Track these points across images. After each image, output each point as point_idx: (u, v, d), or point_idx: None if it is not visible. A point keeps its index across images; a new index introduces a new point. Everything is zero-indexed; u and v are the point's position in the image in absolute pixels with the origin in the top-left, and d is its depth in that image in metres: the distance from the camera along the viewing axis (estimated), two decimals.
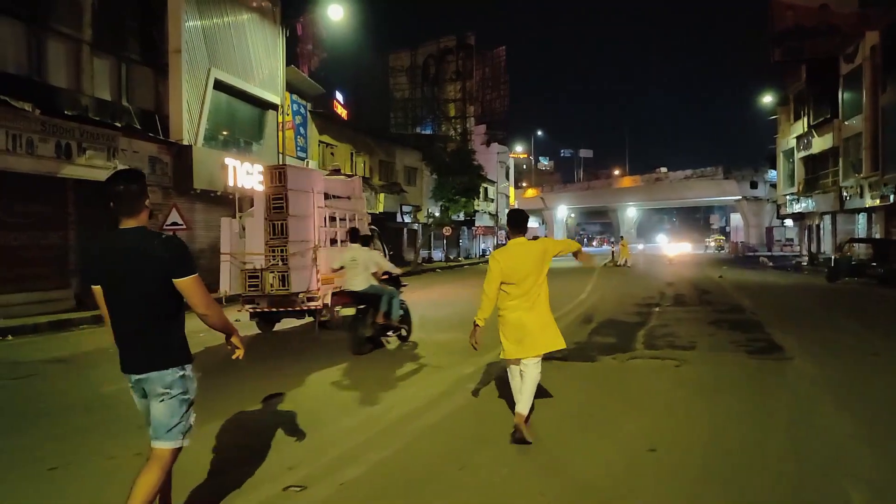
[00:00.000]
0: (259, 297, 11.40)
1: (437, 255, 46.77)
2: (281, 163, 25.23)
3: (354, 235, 10.39)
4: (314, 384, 7.83)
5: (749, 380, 7.61)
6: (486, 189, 56.31)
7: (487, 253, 57.97)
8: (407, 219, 40.77)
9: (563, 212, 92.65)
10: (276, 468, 4.80)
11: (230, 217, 12.61)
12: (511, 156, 70.40)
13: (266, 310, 11.58)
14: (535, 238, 6.23)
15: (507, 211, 6.98)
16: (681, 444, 5.25)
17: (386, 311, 9.84)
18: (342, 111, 47.63)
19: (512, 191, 69.35)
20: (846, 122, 32.26)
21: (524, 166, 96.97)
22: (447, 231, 43.70)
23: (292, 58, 29.50)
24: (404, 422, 6.03)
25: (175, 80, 19.10)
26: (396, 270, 10.70)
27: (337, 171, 15.50)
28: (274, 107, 25.38)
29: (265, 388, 7.31)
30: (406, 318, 10.70)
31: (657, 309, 15.34)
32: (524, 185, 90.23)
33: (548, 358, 8.63)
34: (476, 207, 49.69)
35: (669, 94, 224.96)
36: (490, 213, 58.71)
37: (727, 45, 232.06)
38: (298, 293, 11.20)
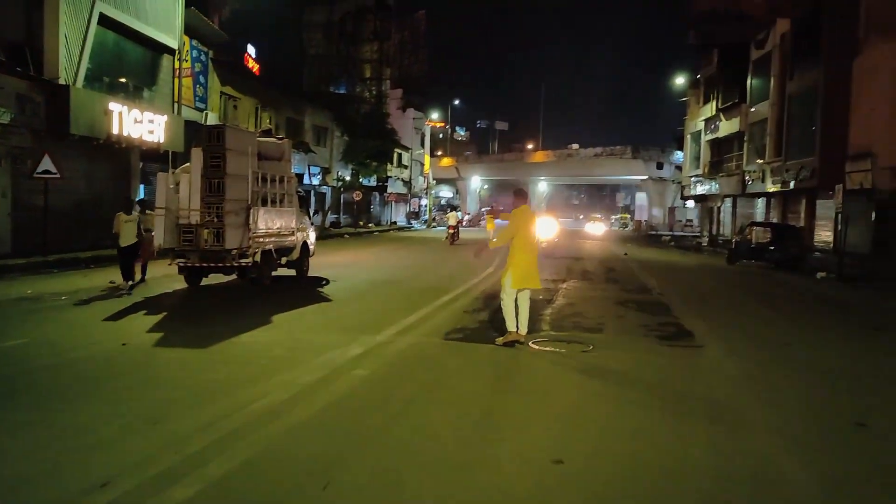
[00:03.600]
0: (191, 251, 11.57)
1: (347, 220, 45.40)
2: (178, 112, 23.56)
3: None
4: (185, 357, 6.77)
5: (662, 372, 7.05)
6: (399, 155, 55.10)
7: (399, 221, 57.09)
8: (315, 181, 39.21)
9: (476, 182, 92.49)
10: (85, 484, 3.74)
11: (165, 172, 12.54)
12: (428, 123, 69.24)
13: (197, 265, 11.83)
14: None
15: (515, 189, 8.08)
16: (592, 455, 4.53)
17: None
18: (254, 65, 45.09)
19: (427, 159, 68.34)
20: (752, 108, 32.97)
21: (440, 135, 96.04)
22: (357, 195, 42.42)
23: (199, 4, 27.33)
24: (264, 420, 4.96)
25: (51, 9, 16.96)
26: None
27: (268, 133, 15.23)
28: (170, 51, 23.31)
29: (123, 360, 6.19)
30: None
31: (564, 286, 14.92)
32: (439, 153, 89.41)
33: (449, 338, 8.02)
34: (389, 173, 48.52)
35: (585, 71, 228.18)
36: (403, 180, 57.60)
37: (644, 26, 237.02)
38: (231, 250, 11.48)
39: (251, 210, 11.85)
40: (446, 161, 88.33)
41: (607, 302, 12.30)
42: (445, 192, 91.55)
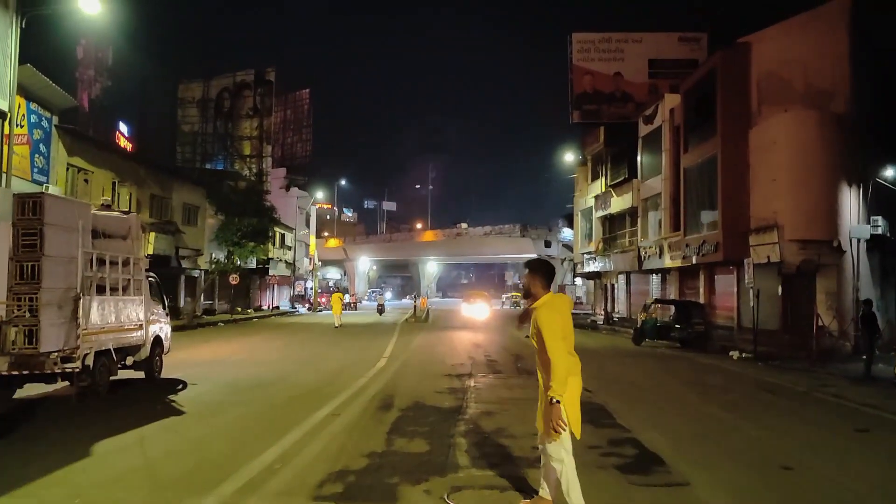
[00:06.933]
0: None
1: (224, 306, 41.30)
2: (7, 185, 19.83)
3: None
4: None
5: None
6: (283, 236, 51.84)
7: (283, 305, 53.09)
8: (186, 264, 35.30)
9: (365, 264, 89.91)
10: None
11: None
12: (314, 205, 66.52)
13: (4, 374, 9.15)
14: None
15: (530, 260, 5.25)
16: None
17: None
18: (126, 143, 41.22)
19: (313, 239, 65.26)
20: (645, 183, 32.56)
21: (327, 216, 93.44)
22: (234, 279, 38.66)
23: (68, 83, 24.03)
24: None
25: None
26: None
27: (108, 207, 13.14)
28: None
29: None
30: None
31: (472, 382, 12.40)
32: (326, 235, 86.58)
33: (324, 499, 5.26)
34: (270, 255, 45.07)
35: (473, 150, 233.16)
36: (287, 262, 54.08)
37: (530, 106, 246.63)
38: (51, 353, 9.09)
39: (80, 301, 9.45)
40: (333, 242, 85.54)
41: (532, 406, 9.82)
42: (333, 274, 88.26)
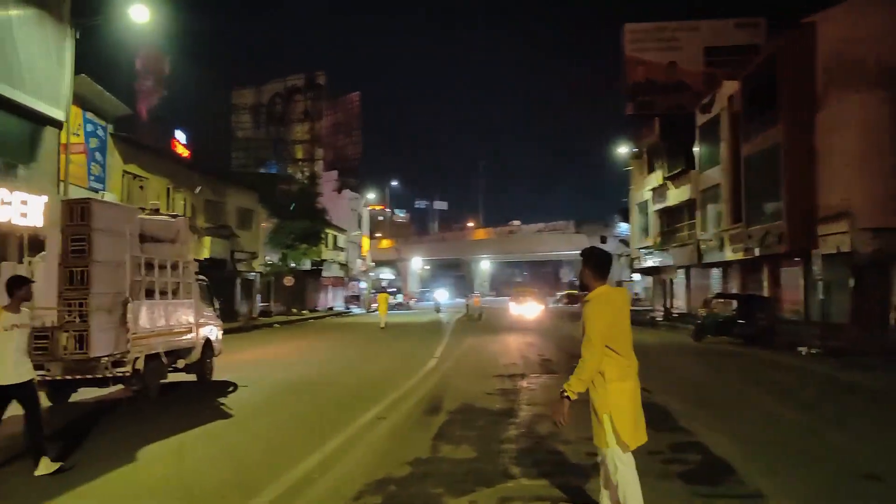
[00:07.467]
0: (50, 361, 8.96)
1: (280, 308, 41.76)
2: (65, 193, 20.25)
3: None
4: None
5: None
6: (335, 237, 52.19)
7: (337, 306, 53.37)
8: (242, 267, 35.76)
9: (417, 263, 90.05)
10: None
11: (13, 262, 10.74)
12: (367, 206, 66.95)
13: (59, 378, 9.20)
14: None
15: (584, 249, 4.54)
16: None
17: None
18: (183, 150, 42.05)
19: (366, 241, 65.63)
20: (703, 174, 31.43)
21: (380, 217, 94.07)
22: (289, 281, 39.07)
23: (127, 94, 24.59)
24: None
25: None
26: None
27: (156, 211, 12.98)
28: (55, 123, 20.15)
29: None
30: None
31: (524, 383, 11.97)
32: (379, 235, 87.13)
33: None
34: (323, 256, 45.46)
35: (525, 147, 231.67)
36: (340, 263, 54.46)
37: (583, 100, 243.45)
38: (101, 357, 9.06)
39: (129, 305, 9.44)
40: (386, 243, 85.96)
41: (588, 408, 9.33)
42: (387, 274, 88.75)
